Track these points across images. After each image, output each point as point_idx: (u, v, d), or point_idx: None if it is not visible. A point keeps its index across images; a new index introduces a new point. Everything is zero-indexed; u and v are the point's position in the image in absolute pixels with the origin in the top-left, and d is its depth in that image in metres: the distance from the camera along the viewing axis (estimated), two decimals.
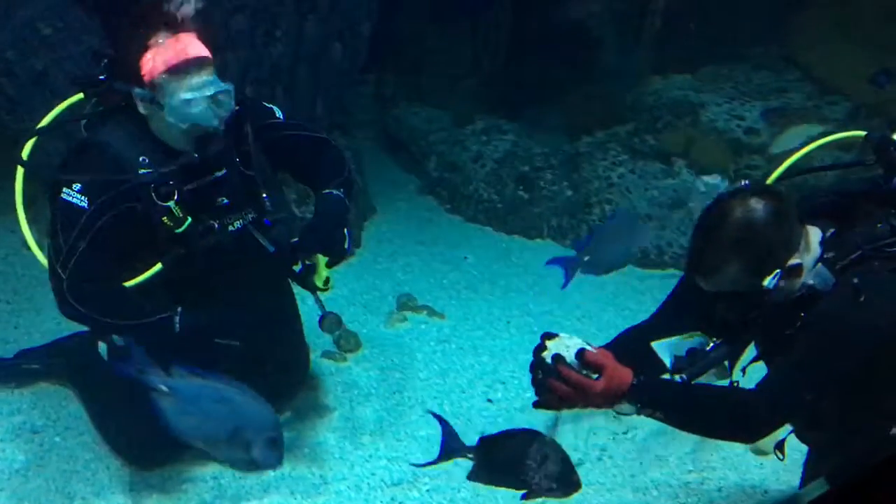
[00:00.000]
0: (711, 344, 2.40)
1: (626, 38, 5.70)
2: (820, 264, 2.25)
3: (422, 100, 6.08)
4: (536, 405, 2.29)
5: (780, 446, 2.65)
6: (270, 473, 3.16)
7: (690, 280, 2.34)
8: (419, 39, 6.12)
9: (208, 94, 2.76)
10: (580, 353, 2.19)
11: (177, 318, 2.79)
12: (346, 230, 2.98)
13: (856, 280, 2.18)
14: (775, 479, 3.18)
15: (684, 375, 2.35)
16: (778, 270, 2.20)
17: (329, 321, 3.12)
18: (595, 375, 2.18)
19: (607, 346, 2.35)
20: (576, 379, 2.17)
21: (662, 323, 2.55)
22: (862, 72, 4.78)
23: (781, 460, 2.68)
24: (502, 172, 5.35)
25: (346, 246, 2.98)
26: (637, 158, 5.19)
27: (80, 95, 2.93)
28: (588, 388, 2.16)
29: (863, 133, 2.71)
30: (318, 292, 3.13)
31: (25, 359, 3.53)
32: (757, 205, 2.19)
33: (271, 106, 3.15)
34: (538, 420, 2.79)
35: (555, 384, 2.18)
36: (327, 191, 3.02)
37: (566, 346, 2.21)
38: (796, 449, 2.81)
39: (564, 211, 5.12)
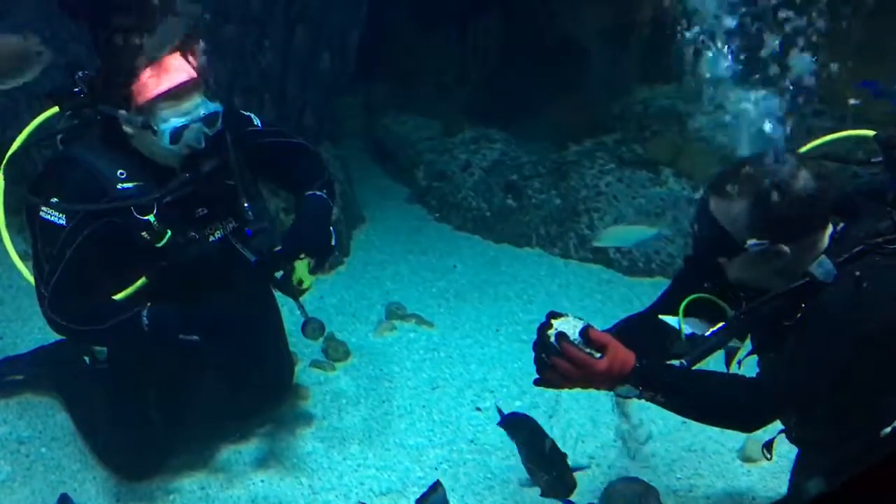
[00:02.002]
0: (710, 330, 2.39)
1: (614, 48, 5.72)
2: (823, 255, 2.25)
3: (411, 109, 6.09)
4: (537, 383, 2.27)
5: (768, 447, 2.65)
6: (259, 484, 3.16)
7: (691, 259, 2.35)
8: (408, 48, 6.13)
9: (199, 118, 2.76)
10: (584, 331, 2.18)
11: (144, 313, 2.74)
12: (331, 228, 2.98)
13: (857, 273, 2.19)
14: (763, 486, 3.18)
15: (684, 361, 2.34)
16: (766, 241, 2.19)
17: (312, 327, 3.10)
18: (598, 355, 2.16)
19: (608, 331, 2.34)
20: (579, 356, 2.15)
21: (662, 310, 2.55)
22: (849, 82, 4.79)
23: (769, 459, 2.68)
24: (491, 181, 5.36)
25: (332, 243, 2.98)
26: (624, 167, 5.20)
27: (55, 109, 2.91)
28: (591, 365, 2.15)
29: (871, 133, 2.72)
30: (299, 295, 3.10)
31: (10, 368, 3.51)
32: (805, 176, 2.17)
33: (248, 114, 3.15)
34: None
35: (557, 361, 2.17)
36: (310, 192, 3.03)
37: (572, 325, 2.20)
38: (785, 456, 2.82)
39: (553, 219, 5.12)
